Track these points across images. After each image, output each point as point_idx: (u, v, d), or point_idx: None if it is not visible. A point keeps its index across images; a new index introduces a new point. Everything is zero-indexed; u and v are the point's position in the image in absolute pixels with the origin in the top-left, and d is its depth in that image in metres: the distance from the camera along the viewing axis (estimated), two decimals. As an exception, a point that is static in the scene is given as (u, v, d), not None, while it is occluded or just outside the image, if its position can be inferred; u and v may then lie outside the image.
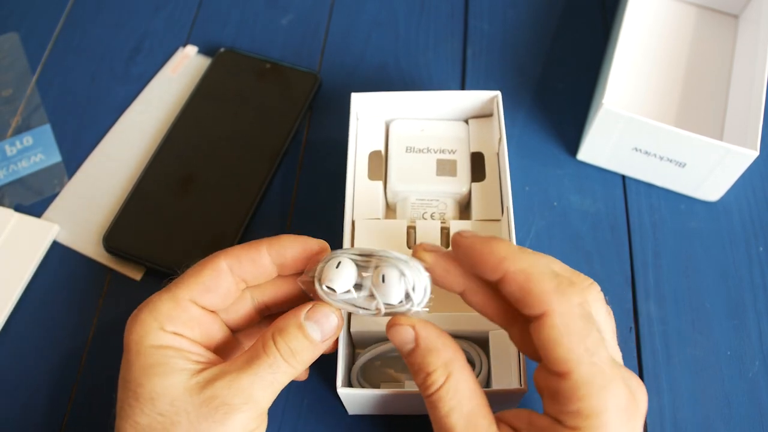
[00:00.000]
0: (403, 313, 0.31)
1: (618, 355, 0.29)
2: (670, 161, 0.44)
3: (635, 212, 0.46)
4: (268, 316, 0.36)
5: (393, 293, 0.30)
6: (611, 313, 0.30)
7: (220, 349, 0.33)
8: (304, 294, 0.33)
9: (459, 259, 0.31)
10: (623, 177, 0.47)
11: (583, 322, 0.27)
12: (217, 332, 0.33)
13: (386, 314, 0.31)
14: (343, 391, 0.34)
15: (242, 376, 0.29)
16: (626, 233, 0.45)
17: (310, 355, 0.31)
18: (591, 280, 0.30)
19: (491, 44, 0.53)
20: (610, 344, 0.28)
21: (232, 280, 0.32)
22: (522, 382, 0.34)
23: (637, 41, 0.51)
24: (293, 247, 0.33)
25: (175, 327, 0.31)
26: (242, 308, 0.34)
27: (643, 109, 0.48)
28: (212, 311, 0.32)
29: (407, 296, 0.31)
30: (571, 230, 0.45)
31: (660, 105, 0.48)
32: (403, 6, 0.55)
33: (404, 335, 0.30)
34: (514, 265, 0.28)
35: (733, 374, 0.40)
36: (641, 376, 0.40)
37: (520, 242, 0.44)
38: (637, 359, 0.41)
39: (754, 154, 0.41)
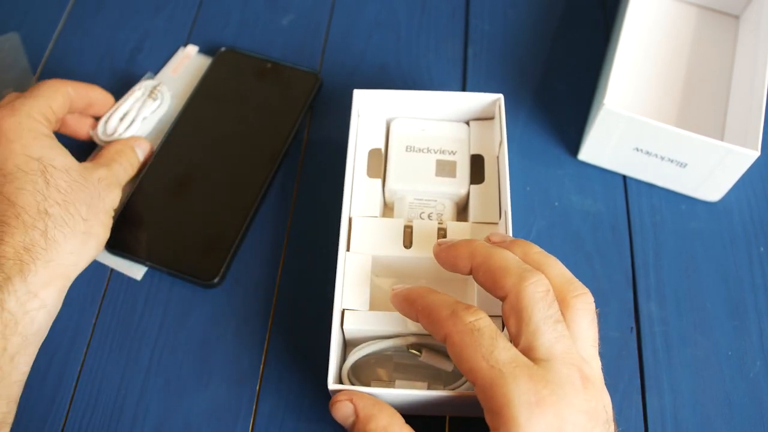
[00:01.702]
0: None
1: (587, 354, 0.31)
2: (671, 161, 0.44)
3: (636, 212, 0.46)
4: None
5: None
6: (595, 322, 0.32)
7: None
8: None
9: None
10: (624, 177, 0.47)
11: (474, 336, 0.30)
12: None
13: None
14: (334, 388, 0.34)
15: (115, 168, 0.43)
16: (627, 233, 0.45)
17: (133, 167, 0.45)
18: (584, 290, 0.32)
19: (492, 44, 0.53)
20: (565, 342, 0.30)
21: (68, 104, 0.43)
22: None
23: (638, 41, 0.51)
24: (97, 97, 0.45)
25: (47, 123, 0.40)
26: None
27: (644, 109, 0.48)
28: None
29: None
30: (572, 230, 0.45)
31: (661, 105, 0.48)
32: (404, 6, 0.55)
33: (345, 410, 0.33)
34: (421, 304, 0.33)
35: (734, 374, 0.40)
36: (642, 376, 0.40)
37: (520, 242, 0.44)
38: (638, 359, 0.41)
39: (755, 154, 0.41)
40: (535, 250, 0.34)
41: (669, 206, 0.46)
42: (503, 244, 0.35)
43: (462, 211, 0.43)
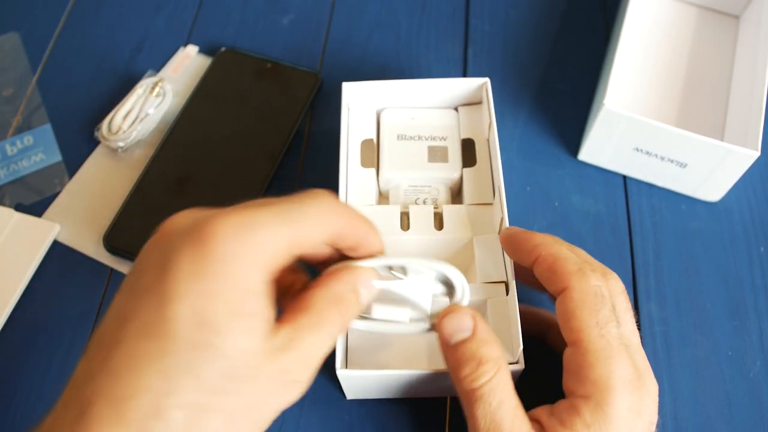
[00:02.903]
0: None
1: (634, 338, 0.31)
2: (671, 161, 0.44)
3: (636, 212, 0.46)
4: None
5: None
6: (630, 307, 0.32)
7: None
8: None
9: (506, 248, 0.35)
10: (624, 177, 0.47)
11: (596, 300, 0.30)
12: None
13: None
14: (342, 373, 0.34)
15: (312, 347, 0.26)
16: (627, 233, 0.45)
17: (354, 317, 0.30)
18: (616, 275, 0.32)
19: (492, 45, 0.53)
20: (625, 326, 0.31)
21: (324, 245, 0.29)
22: (519, 359, 0.33)
23: (638, 42, 0.51)
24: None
25: (276, 274, 0.26)
26: None
27: (644, 109, 0.48)
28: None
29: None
30: (572, 230, 0.45)
31: (661, 105, 0.48)
32: (404, 6, 0.55)
33: (462, 322, 0.31)
34: (546, 250, 0.32)
35: (734, 374, 0.40)
36: (642, 377, 0.40)
37: (521, 242, 0.44)
38: (638, 359, 0.41)
39: (755, 154, 0.41)
40: (567, 245, 0.35)
41: (669, 206, 0.46)
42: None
43: (456, 194, 0.44)
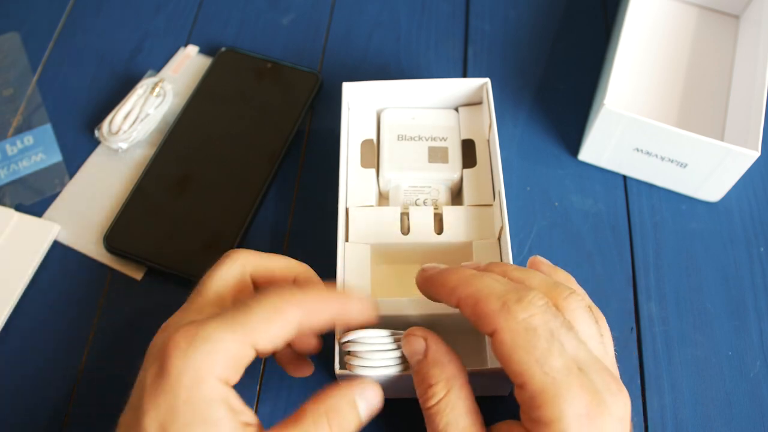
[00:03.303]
0: None
1: (594, 352, 0.29)
2: (671, 162, 0.44)
3: (636, 212, 0.46)
4: None
5: None
6: (593, 318, 0.31)
7: None
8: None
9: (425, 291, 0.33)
10: (624, 177, 0.47)
11: (529, 336, 0.28)
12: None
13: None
14: (342, 373, 0.34)
15: None
16: (627, 233, 0.45)
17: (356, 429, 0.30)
18: (571, 290, 0.30)
19: (492, 45, 0.53)
20: (575, 346, 0.28)
21: (294, 333, 0.30)
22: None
23: (638, 42, 0.51)
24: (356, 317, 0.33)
25: (230, 375, 0.27)
26: None
27: (644, 109, 0.48)
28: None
29: None
30: (573, 230, 0.45)
31: (661, 105, 0.48)
32: (404, 6, 0.56)
33: (416, 345, 0.31)
34: (465, 291, 0.30)
35: (735, 374, 0.40)
36: (642, 376, 0.40)
37: (520, 244, 0.44)
38: (638, 359, 0.41)
39: (755, 154, 0.41)
40: (512, 268, 0.32)
41: (669, 206, 0.46)
42: (479, 268, 0.33)
43: (456, 195, 0.44)
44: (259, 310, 0.29)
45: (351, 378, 0.32)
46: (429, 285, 0.32)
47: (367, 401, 0.30)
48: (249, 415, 0.28)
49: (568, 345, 0.28)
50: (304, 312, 0.29)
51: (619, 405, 0.28)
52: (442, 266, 0.32)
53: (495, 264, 0.33)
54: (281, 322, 0.29)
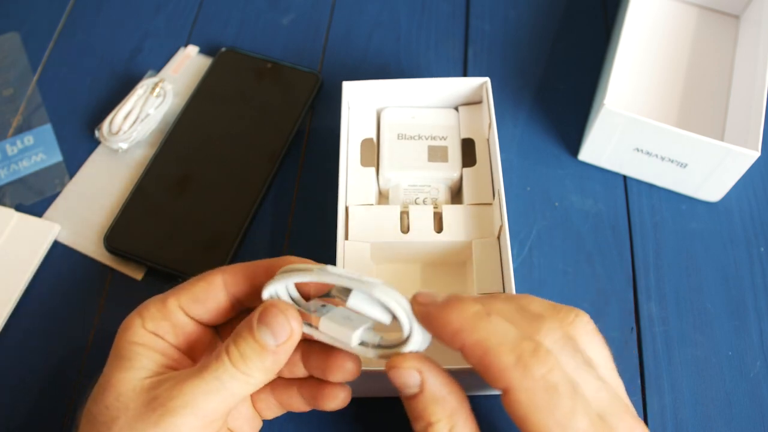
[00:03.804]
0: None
1: (615, 383, 0.28)
2: (672, 162, 0.44)
3: (636, 212, 0.46)
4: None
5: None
6: (603, 340, 0.29)
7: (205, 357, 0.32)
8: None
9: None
10: (624, 177, 0.47)
11: (549, 395, 0.25)
12: (204, 341, 0.32)
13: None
14: (267, 297, 0.33)
15: (187, 380, 0.28)
16: (627, 233, 0.45)
17: (263, 362, 0.28)
18: (575, 313, 0.28)
19: (492, 45, 0.53)
20: (597, 392, 0.27)
21: (225, 296, 0.32)
22: None
23: (638, 42, 0.51)
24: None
25: (156, 328, 0.31)
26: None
27: (644, 109, 0.48)
28: (202, 322, 0.32)
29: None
30: (573, 231, 0.45)
31: (661, 105, 0.48)
32: (404, 6, 0.56)
33: (408, 379, 0.28)
34: (471, 338, 0.26)
35: (735, 374, 0.40)
36: (642, 376, 0.40)
37: (520, 244, 0.44)
38: (638, 359, 0.41)
39: (755, 154, 0.41)
40: (503, 297, 0.30)
41: (669, 206, 0.46)
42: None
43: (456, 194, 0.44)
44: (190, 280, 0.32)
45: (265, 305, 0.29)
46: (427, 323, 0.28)
47: (269, 326, 0.28)
48: (179, 361, 0.31)
49: (589, 393, 0.26)
50: (227, 274, 0.31)
51: None
52: (439, 297, 0.28)
53: (475, 312, 0.28)
54: (203, 282, 0.31)
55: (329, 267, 0.29)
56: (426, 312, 0.28)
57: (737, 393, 0.39)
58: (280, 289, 0.30)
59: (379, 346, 0.29)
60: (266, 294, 0.29)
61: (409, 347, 0.28)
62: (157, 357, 0.30)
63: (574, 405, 0.25)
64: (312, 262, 0.30)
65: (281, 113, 0.48)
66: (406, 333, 0.28)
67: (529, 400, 0.25)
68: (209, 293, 0.31)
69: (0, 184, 0.47)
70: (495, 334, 0.26)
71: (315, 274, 0.28)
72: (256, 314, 0.29)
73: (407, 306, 0.28)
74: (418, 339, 0.28)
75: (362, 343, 0.29)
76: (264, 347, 0.28)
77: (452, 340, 0.27)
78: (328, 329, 0.29)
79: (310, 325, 0.30)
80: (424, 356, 0.28)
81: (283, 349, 0.29)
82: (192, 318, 0.32)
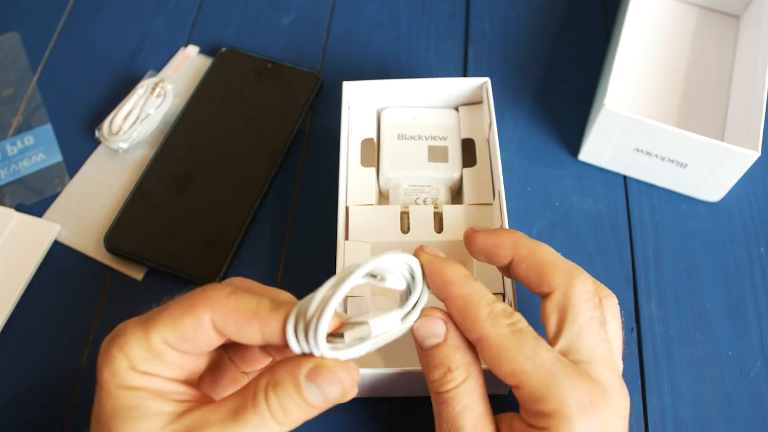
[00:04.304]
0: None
1: (600, 349, 0.29)
2: (672, 162, 0.44)
3: (636, 213, 0.46)
4: None
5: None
6: (621, 324, 0.32)
7: (209, 378, 0.31)
8: None
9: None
10: (624, 177, 0.47)
11: (516, 337, 0.28)
12: (201, 364, 0.30)
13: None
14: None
15: (225, 428, 0.26)
16: (627, 234, 0.45)
17: (305, 417, 0.27)
18: (608, 292, 0.31)
19: (492, 45, 0.53)
20: (574, 340, 0.29)
21: (215, 335, 0.28)
22: None
23: (639, 42, 0.51)
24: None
25: (148, 367, 0.27)
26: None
27: (644, 109, 0.48)
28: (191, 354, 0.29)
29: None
30: (573, 230, 0.45)
31: (661, 105, 0.48)
32: (404, 6, 0.56)
33: (435, 327, 0.30)
34: (457, 290, 0.30)
35: (735, 374, 0.40)
36: (642, 376, 0.40)
37: (521, 242, 0.44)
38: (638, 359, 0.41)
39: (755, 154, 0.41)
40: (522, 238, 0.32)
41: (669, 206, 0.46)
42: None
43: (456, 194, 0.44)
44: (173, 307, 0.28)
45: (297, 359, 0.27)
46: (428, 270, 0.30)
47: (319, 387, 0.27)
48: (186, 394, 0.28)
49: (591, 336, 0.29)
50: (216, 312, 0.27)
51: (622, 404, 0.28)
52: (441, 253, 0.31)
53: (506, 231, 0.32)
54: (189, 320, 0.27)
55: (328, 282, 0.27)
56: (484, 233, 0.32)
57: (737, 393, 0.39)
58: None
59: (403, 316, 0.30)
60: (293, 343, 0.27)
61: (423, 301, 0.31)
62: (165, 397, 0.27)
63: (536, 343, 0.28)
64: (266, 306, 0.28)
65: (281, 113, 0.48)
66: (419, 290, 0.30)
67: (500, 343, 0.28)
68: (198, 332, 0.27)
69: (0, 184, 0.47)
70: (477, 291, 0.30)
71: (336, 289, 0.27)
72: (304, 369, 0.27)
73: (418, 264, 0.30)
74: (427, 293, 0.31)
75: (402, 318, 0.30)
76: (312, 406, 0.27)
77: (441, 289, 0.30)
78: (379, 328, 0.29)
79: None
80: (446, 312, 0.31)
81: (331, 405, 0.28)
82: (181, 352, 0.28)
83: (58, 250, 0.44)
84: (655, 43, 0.51)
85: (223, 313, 0.27)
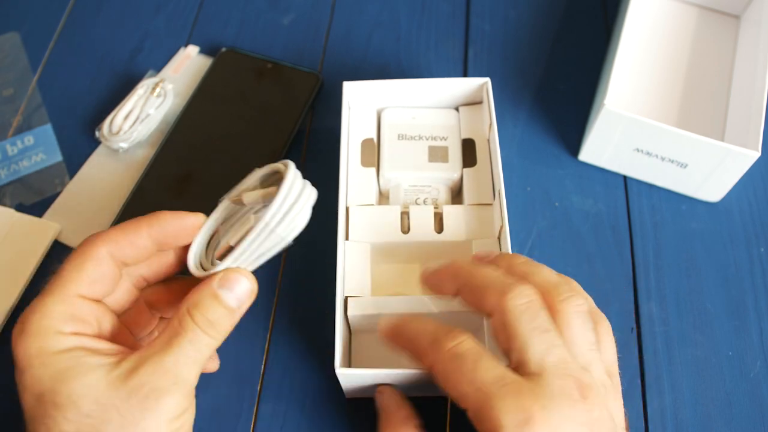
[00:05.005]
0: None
1: (592, 364, 0.30)
2: (672, 162, 0.44)
3: (636, 213, 0.46)
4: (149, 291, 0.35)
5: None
6: (600, 323, 0.32)
7: (116, 339, 0.32)
8: (181, 262, 0.33)
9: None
10: (624, 177, 0.47)
11: (456, 362, 0.29)
12: (108, 322, 0.31)
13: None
14: (341, 372, 0.34)
15: (166, 357, 0.28)
16: (627, 234, 0.45)
17: (229, 323, 0.31)
18: (567, 294, 0.31)
19: (492, 45, 0.53)
20: (570, 350, 0.30)
21: (114, 265, 0.31)
22: None
23: (639, 42, 0.51)
24: (173, 225, 0.32)
25: (74, 327, 0.29)
26: (122, 288, 0.33)
27: (644, 109, 0.48)
28: (99, 300, 0.31)
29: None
30: (573, 231, 0.45)
31: (661, 105, 0.48)
32: (404, 6, 0.56)
33: (377, 400, 0.36)
34: (407, 334, 0.32)
35: (735, 374, 0.40)
36: (642, 376, 0.40)
37: (521, 244, 0.44)
38: (638, 359, 0.41)
39: (755, 154, 0.41)
40: (520, 261, 0.33)
41: (669, 206, 0.46)
42: (487, 259, 0.34)
43: (456, 194, 0.44)
44: (69, 263, 0.30)
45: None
46: (388, 335, 0.33)
47: (231, 290, 0.30)
48: (113, 348, 0.29)
49: (536, 347, 0.29)
50: (111, 245, 0.30)
51: (582, 410, 0.28)
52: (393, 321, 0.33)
53: (505, 255, 0.34)
54: (90, 262, 0.30)
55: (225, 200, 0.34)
56: (429, 273, 0.34)
57: (737, 393, 0.40)
58: (201, 245, 0.33)
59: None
60: (193, 262, 0.32)
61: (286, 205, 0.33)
62: (98, 351, 0.29)
63: (473, 365, 0.29)
64: (187, 213, 0.32)
65: (281, 113, 0.48)
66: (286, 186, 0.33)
67: (443, 370, 0.29)
68: (101, 269, 0.30)
69: (0, 184, 0.47)
70: (421, 326, 0.32)
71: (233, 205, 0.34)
72: (215, 281, 0.30)
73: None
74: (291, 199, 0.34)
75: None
76: (232, 310, 0.30)
77: (450, 287, 0.33)
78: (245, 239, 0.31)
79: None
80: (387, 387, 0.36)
81: (245, 306, 0.31)
82: (92, 300, 0.30)
83: (57, 250, 0.44)
84: (655, 43, 0.51)
85: (117, 240, 0.30)
